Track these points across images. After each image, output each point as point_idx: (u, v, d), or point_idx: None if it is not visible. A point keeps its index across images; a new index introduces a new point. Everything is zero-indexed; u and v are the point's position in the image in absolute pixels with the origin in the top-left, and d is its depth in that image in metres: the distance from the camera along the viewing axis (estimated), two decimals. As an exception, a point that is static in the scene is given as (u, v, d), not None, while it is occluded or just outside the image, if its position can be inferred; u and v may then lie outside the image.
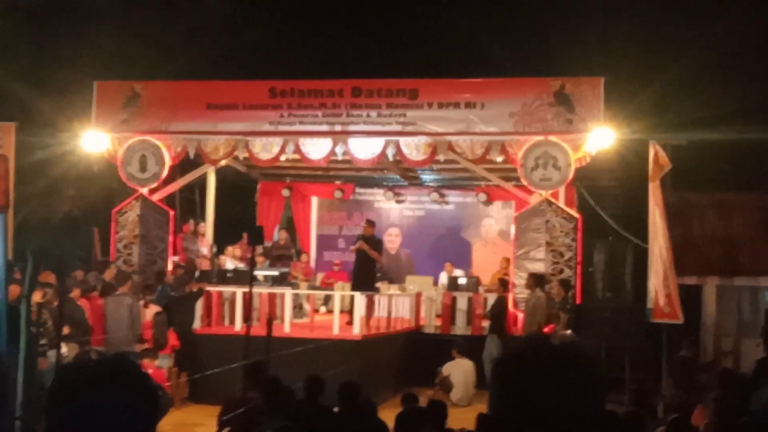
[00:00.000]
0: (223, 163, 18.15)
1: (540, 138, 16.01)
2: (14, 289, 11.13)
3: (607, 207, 19.29)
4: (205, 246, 18.46)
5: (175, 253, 17.55)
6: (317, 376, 8.88)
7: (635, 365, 15.25)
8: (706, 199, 19.04)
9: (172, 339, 14.51)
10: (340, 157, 17.52)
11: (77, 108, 18.12)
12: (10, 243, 14.14)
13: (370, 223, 17.90)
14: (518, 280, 16.08)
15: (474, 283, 18.36)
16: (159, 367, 12.95)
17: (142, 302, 14.24)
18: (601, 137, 15.84)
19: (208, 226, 19.06)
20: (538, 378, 2.10)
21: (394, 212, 22.86)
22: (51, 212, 20.03)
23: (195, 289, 15.48)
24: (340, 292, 17.09)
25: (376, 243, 17.57)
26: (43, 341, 11.13)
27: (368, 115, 16.64)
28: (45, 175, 18.79)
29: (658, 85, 19.11)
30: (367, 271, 17.27)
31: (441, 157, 17.05)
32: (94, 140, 17.13)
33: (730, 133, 16.87)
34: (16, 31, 18.85)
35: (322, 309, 19.27)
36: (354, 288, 16.69)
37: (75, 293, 13.14)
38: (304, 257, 21.19)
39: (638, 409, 8.94)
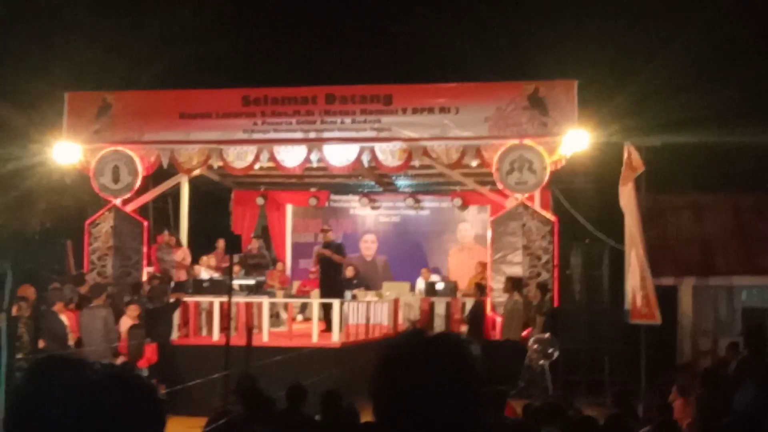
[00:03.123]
0: (196, 172, 18.03)
1: (515, 142, 16.03)
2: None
3: (582, 209, 19.35)
4: (182, 255, 18.29)
5: (149, 263, 17.41)
6: (299, 384, 8.80)
7: (614, 367, 15.29)
8: (681, 200, 19.18)
9: (149, 352, 14.37)
10: (315, 165, 17.47)
11: (48, 119, 17.95)
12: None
13: (329, 229, 18.01)
14: (496, 284, 16.08)
15: (451, 288, 18.34)
16: (138, 379, 12.81)
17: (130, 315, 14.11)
18: (575, 140, 15.88)
19: (183, 236, 18.91)
20: (412, 377, 2.06)
21: (370, 219, 22.80)
22: (24, 225, 19.83)
23: (172, 300, 15.37)
24: (318, 299, 17.02)
25: (337, 247, 17.54)
26: (19, 356, 10.97)
27: (342, 122, 16.59)
28: (16, 187, 18.59)
29: (632, 87, 19.19)
30: (334, 277, 17.22)
31: (416, 163, 17.04)
32: (65, 151, 16.96)
33: (704, 135, 16.98)
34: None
35: (299, 317, 19.18)
36: (323, 295, 16.63)
37: (58, 306, 12.98)
38: (279, 265, 21.08)
39: (620, 410, 8.95)
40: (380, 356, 2.15)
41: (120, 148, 16.98)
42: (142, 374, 13.45)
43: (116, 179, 17.00)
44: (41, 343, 12.74)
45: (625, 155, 15.02)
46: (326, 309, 16.21)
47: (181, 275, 17.73)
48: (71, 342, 13.00)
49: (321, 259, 17.32)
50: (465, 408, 2.07)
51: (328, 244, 17.43)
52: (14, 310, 11.53)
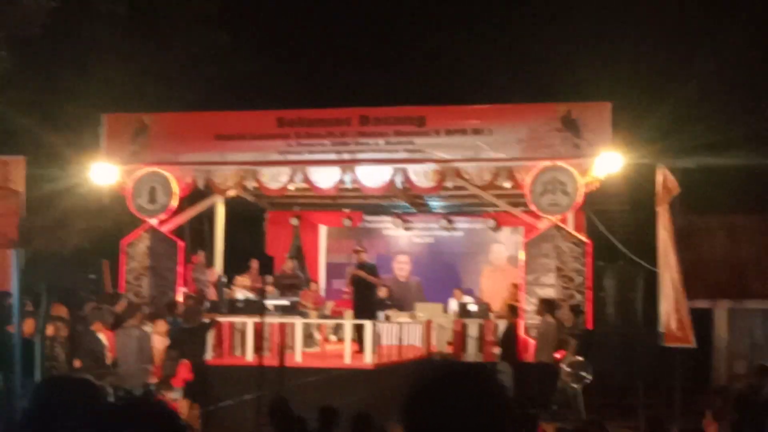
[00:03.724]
0: (231, 193, 18.18)
1: (548, 163, 16.02)
2: (30, 323, 11.17)
3: (616, 231, 19.26)
4: (212, 276, 18.42)
5: (184, 284, 17.55)
6: (330, 406, 8.86)
7: (648, 390, 15.18)
8: (716, 222, 19.05)
9: (184, 371, 14.48)
10: (348, 186, 17.53)
11: (86, 141, 18.19)
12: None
13: (362, 250, 18.06)
14: (529, 306, 16.04)
15: (484, 310, 18.30)
16: (173, 399, 12.92)
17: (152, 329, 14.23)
18: (609, 162, 15.83)
19: (218, 257, 19.05)
20: (443, 408, 2.11)
21: (403, 240, 22.85)
22: (61, 245, 20.03)
23: (206, 320, 15.49)
24: (351, 320, 17.07)
25: (370, 268, 17.61)
26: (55, 374, 11.11)
27: (376, 143, 16.67)
28: (55, 208, 18.84)
29: (665, 109, 19.14)
30: (367, 297, 17.28)
31: (449, 184, 17.06)
32: (103, 172, 17.16)
33: (738, 157, 16.90)
34: (23, 66, 18.96)
35: (333, 338, 19.24)
36: (356, 316, 16.68)
37: (97, 326, 13.10)
38: (313, 286, 21.15)
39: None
40: (412, 385, 2.19)
41: (156, 169, 17.17)
42: (177, 394, 13.58)
43: (153, 200, 17.17)
44: (77, 363, 12.89)
45: (660, 177, 15.00)
46: (359, 330, 16.26)
47: (212, 295, 17.88)
48: (109, 362, 13.12)
49: (354, 279, 17.40)
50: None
51: (361, 265, 17.52)
52: (50, 331, 11.72)
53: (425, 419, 2.13)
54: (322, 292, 22.02)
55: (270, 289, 18.03)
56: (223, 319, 16.26)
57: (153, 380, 13.66)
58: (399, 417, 2.21)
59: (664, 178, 14.90)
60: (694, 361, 15.18)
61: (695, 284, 16.21)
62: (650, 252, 16.13)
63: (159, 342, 14.51)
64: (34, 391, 3.01)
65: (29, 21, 18.85)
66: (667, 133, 18.49)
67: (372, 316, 16.38)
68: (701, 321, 15.96)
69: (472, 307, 18.47)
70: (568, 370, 14.19)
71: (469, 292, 21.17)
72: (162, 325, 14.60)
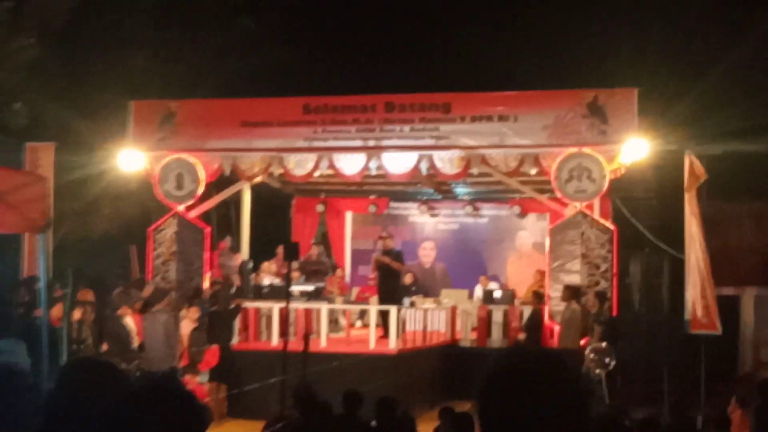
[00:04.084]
0: (258, 179, 18.26)
1: (574, 150, 15.97)
2: (58, 308, 11.30)
3: (642, 218, 19.18)
4: (238, 261, 18.54)
5: (211, 269, 17.66)
6: (355, 390, 8.92)
7: (673, 377, 15.15)
8: (743, 209, 18.93)
9: (210, 355, 14.62)
10: (374, 172, 17.56)
11: (113, 128, 18.31)
12: (50, 262, 14.34)
13: (388, 236, 18.17)
14: (554, 292, 16.03)
15: (510, 296, 18.33)
16: (200, 383, 13.05)
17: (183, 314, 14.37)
18: (635, 148, 15.76)
19: (244, 243, 19.16)
20: (523, 392, 2.06)
21: (429, 226, 22.89)
22: (89, 231, 20.24)
23: (233, 306, 15.62)
24: (376, 306, 17.16)
25: (396, 254, 17.67)
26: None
27: (401, 130, 16.68)
28: (83, 194, 19.01)
29: (693, 95, 19.01)
30: (392, 284, 17.34)
31: (474, 171, 17.04)
32: (130, 159, 17.28)
33: (766, 143, 16.75)
34: (51, 54, 19.09)
35: (358, 323, 19.34)
36: (381, 302, 16.75)
37: (123, 310, 13.23)
38: (339, 272, 21.25)
39: (677, 421, 8.91)
40: (489, 369, 2.15)
41: (183, 155, 17.27)
42: (205, 378, 13.72)
43: (179, 186, 17.27)
44: (105, 346, 13.04)
45: (687, 163, 14.93)
46: (384, 316, 16.34)
47: (236, 280, 18.01)
48: (135, 345, 13.26)
49: (380, 266, 17.47)
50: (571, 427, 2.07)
51: (387, 251, 17.57)
52: (77, 315, 11.86)
53: (503, 403, 2.09)
54: (348, 278, 22.12)
55: (295, 274, 18.13)
56: (249, 305, 16.39)
57: (180, 364, 13.80)
58: (475, 396, 2.17)
59: (691, 164, 14.82)
60: (719, 348, 15.11)
61: (722, 271, 16.13)
62: (676, 239, 16.07)
63: (186, 325, 14.66)
64: (59, 373, 3.07)
65: (58, 9, 18.98)
66: (694, 119, 18.37)
67: (397, 302, 16.45)
68: (728, 308, 15.90)
69: (497, 294, 18.50)
70: (593, 356, 14.18)
71: (495, 279, 21.19)
72: (195, 312, 14.74)
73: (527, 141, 16.20)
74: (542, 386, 2.06)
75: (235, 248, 18.79)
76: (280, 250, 18.50)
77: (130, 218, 20.64)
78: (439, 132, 16.51)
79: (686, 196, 14.90)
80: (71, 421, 2.64)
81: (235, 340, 15.80)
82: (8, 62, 17.97)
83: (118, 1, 21.11)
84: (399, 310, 15.80)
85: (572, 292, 15.42)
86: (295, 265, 17.43)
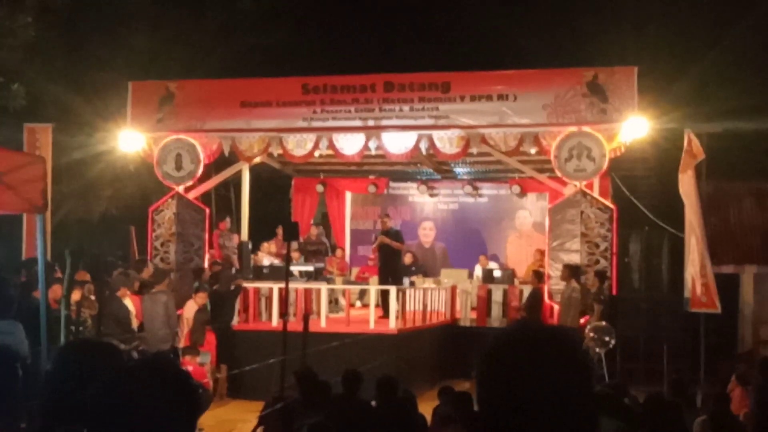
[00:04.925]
0: (257, 160, 18.24)
1: (573, 129, 15.94)
2: (57, 290, 11.31)
3: (642, 197, 19.18)
4: (236, 241, 18.56)
5: (210, 249, 17.67)
6: (355, 370, 8.92)
7: (673, 355, 15.18)
8: (743, 188, 18.91)
9: (211, 336, 14.65)
10: (373, 152, 17.55)
11: (112, 108, 18.29)
12: (48, 243, 14.34)
13: (387, 217, 18.26)
14: (553, 271, 16.04)
15: (509, 276, 18.34)
16: (200, 364, 13.07)
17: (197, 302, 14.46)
18: (635, 127, 15.74)
19: (243, 223, 19.16)
20: (524, 369, 1.98)
21: (428, 206, 22.90)
22: (88, 212, 20.25)
23: (233, 287, 15.64)
24: (375, 286, 17.17)
25: (395, 234, 17.69)
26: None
27: (401, 110, 16.65)
28: (82, 175, 19.00)
29: (693, 73, 18.97)
30: (393, 263, 17.38)
31: (474, 150, 17.02)
32: (129, 140, 17.26)
33: (766, 122, 16.71)
34: (49, 34, 19.02)
35: (358, 303, 19.37)
36: (381, 282, 16.77)
37: (122, 291, 13.24)
38: (338, 252, 21.27)
39: (677, 399, 8.92)
40: (489, 345, 2.07)
41: (182, 136, 17.24)
42: (206, 359, 13.74)
43: (179, 167, 17.26)
44: (103, 328, 13.04)
45: (686, 142, 14.89)
46: (385, 295, 16.36)
47: (234, 260, 18.04)
48: (135, 326, 13.27)
49: (380, 245, 17.48)
50: (577, 409, 1.99)
51: (386, 231, 17.59)
52: (75, 296, 11.87)
53: (501, 382, 2.01)
54: (347, 258, 22.13)
55: (295, 255, 18.14)
56: (249, 285, 16.41)
57: (181, 345, 13.83)
58: (474, 377, 2.10)
59: (689, 142, 14.78)
60: (719, 326, 15.13)
61: (722, 250, 16.16)
62: (676, 217, 16.07)
63: (190, 307, 14.69)
64: (57, 354, 3.07)
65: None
66: (694, 97, 18.35)
67: (397, 282, 16.48)
68: (727, 286, 15.91)
69: (497, 273, 18.53)
70: (592, 335, 14.20)
71: (494, 258, 21.21)
72: (202, 297, 14.76)
73: (527, 120, 16.17)
74: (544, 362, 1.99)
75: (234, 229, 18.80)
76: (280, 230, 18.51)
77: (130, 199, 20.63)
78: (439, 111, 16.48)
79: (680, 177, 14.82)
80: (69, 401, 2.63)
81: (235, 321, 15.81)
82: (7, 42, 17.90)
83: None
84: (399, 290, 15.81)
85: (572, 271, 15.43)
86: (294, 245, 17.45)
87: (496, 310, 17.87)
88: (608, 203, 16.44)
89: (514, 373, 1.99)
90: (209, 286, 15.66)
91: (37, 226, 7.24)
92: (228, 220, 18.74)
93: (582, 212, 15.99)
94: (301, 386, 8.68)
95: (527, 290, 17.08)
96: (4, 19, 17.89)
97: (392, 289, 15.66)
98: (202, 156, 17.22)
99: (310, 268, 17.75)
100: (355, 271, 21.49)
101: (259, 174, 20.11)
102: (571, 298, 15.27)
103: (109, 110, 18.39)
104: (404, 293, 16.17)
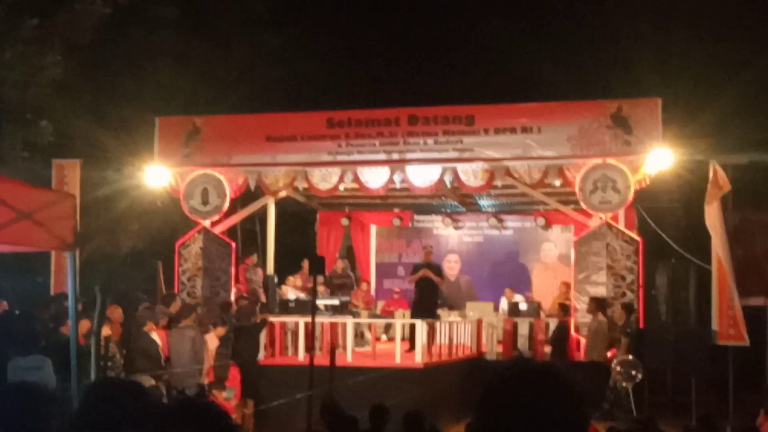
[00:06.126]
0: (283, 194, 18.34)
1: (598, 161, 15.94)
2: (84, 324, 11.39)
3: (668, 229, 19.07)
4: (261, 275, 18.60)
5: (237, 284, 17.73)
6: (382, 405, 8.92)
7: (700, 388, 15.05)
8: (770, 218, 18.75)
9: (236, 371, 14.65)
10: (398, 185, 17.60)
11: (139, 143, 18.47)
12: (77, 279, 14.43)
13: (431, 249, 18.21)
14: (580, 304, 15.99)
15: (535, 309, 18.27)
16: (226, 399, 13.08)
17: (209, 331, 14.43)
18: (660, 158, 15.71)
19: (269, 257, 19.22)
20: (517, 403, 2.07)
21: (453, 239, 22.89)
22: (116, 247, 20.39)
23: (259, 320, 15.67)
24: (401, 320, 17.15)
25: (436, 269, 17.70)
26: (111, 374, 11.32)
27: (425, 143, 16.70)
28: (109, 210, 19.15)
29: (717, 104, 18.92)
30: (433, 297, 17.38)
31: (498, 183, 17.04)
32: (156, 175, 17.39)
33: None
34: (76, 71, 19.29)
35: (383, 337, 19.34)
36: (417, 315, 16.69)
37: (149, 326, 13.30)
38: (364, 286, 21.28)
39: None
40: (486, 382, 2.16)
41: (209, 171, 17.36)
42: (231, 394, 13.75)
43: (205, 201, 17.37)
44: (132, 363, 13.09)
45: (711, 174, 14.85)
46: (413, 329, 16.32)
47: (261, 295, 18.07)
48: (162, 361, 13.31)
49: (420, 279, 17.40)
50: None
51: (429, 264, 17.59)
52: (105, 331, 11.94)
53: (498, 419, 2.09)
54: (373, 292, 22.13)
55: (321, 289, 18.18)
56: (275, 319, 16.44)
57: (206, 380, 13.84)
58: (471, 411, 2.18)
59: (714, 173, 14.74)
60: (747, 359, 14.98)
61: (749, 281, 16.00)
62: (702, 249, 15.98)
63: (213, 343, 14.71)
64: (85, 393, 3.11)
65: (84, 25, 19.17)
66: (719, 128, 18.28)
67: (433, 316, 16.50)
68: (755, 319, 15.76)
69: (523, 306, 18.46)
70: (619, 368, 14.13)
71: (520, 291, 21.14)
72: (222, 330, 14.79)
73: (551, 152, 16.18)
74: (537, 396, 2.07)
75: (259, 263, 18.86)
76: (305, 264, 18.55)
77: (157, 234, 20.77)
78: (463, 144, 16.52)
79: (706, 208, 14.75)
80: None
81: (261, 355, 15.83)
82: (35, 80, 18.16)
83: (143, 17, 21.30)
84: (427, 323, 15.79)
85: (598, 304, 15.38)
86: (320, 279, 17.48)
87: (522, 344, 17.79)
88: (634, 235, 16.39)
89: (508, 406, 2.07)
90: (236, 320, 15.71)
91: (68, 263, 7.31)
92: (255, 255, 18.79)
93: (608, 244, 15.95)
94: (328, 421, 8.69)
95: (553, 323, 17.00)
96: (33, 58, 18.16)
97: (418, 323, 15.63)
98: (228, 190, 17.33)
99: (336, 302, 17.77)
100: (380, 304, 21.48)
101: (284, 208, 20.20)
102: (598, 331, 15.21)
103: (137, 145, 18.57)
104: (432, 327, 16.15)
